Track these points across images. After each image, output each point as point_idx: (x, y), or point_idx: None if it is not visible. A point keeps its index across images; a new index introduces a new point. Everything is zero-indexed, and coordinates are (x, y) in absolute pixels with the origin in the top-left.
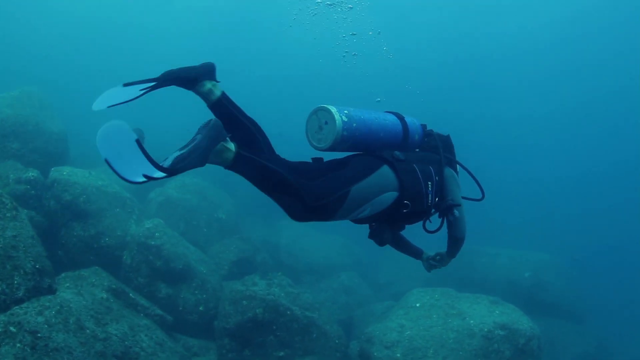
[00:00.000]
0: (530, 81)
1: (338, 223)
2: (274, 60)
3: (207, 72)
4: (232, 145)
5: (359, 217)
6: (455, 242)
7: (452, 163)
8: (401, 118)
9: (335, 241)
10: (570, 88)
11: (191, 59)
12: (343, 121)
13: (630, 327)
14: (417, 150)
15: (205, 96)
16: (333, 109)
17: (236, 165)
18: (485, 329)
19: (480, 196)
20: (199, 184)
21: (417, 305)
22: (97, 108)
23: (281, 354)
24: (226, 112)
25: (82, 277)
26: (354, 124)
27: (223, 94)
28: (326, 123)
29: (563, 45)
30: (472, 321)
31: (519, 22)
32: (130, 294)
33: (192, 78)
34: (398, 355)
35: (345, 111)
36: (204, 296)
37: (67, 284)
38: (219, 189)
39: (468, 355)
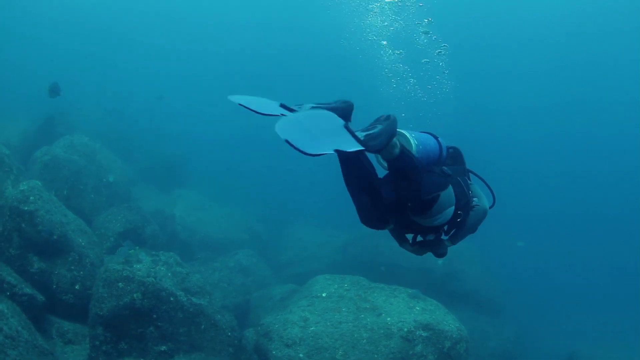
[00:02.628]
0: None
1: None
2: None
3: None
4: (398, 142)
5: (435, 223)
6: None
7: (468, 173)
8: (436, 137)
9: (234, 214)
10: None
11: None
12: (415, 143)
13: (546, 320)
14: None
15: None
16: (406, 132)
17: (398, 159)
18: (405, 329)
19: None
20: (89, 145)
21: (324, 295)
22: (233, 99)
23: (163, 348)
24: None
25: None
26: (420, 146)
27: None
28: None
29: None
30: (389, 318)
31: (526, 14)
32: None
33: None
34: (301, 355)
35: (412, 133)
36: (81, 273)
37: None
38: (110, 151)
39: (384, 359)
